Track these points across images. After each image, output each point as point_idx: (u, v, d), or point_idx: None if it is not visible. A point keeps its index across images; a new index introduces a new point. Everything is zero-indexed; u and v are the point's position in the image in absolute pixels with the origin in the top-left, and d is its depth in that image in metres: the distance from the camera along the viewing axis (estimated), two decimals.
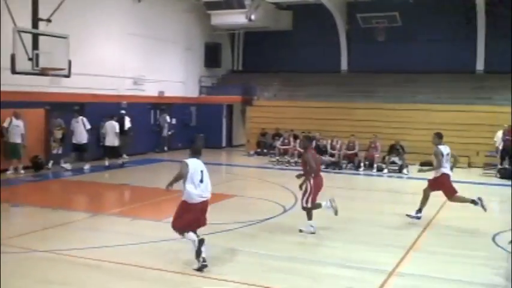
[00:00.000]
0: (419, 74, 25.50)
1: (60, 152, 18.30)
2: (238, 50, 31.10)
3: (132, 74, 22.91)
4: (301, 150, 20.67)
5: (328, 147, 20.66)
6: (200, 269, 7.68)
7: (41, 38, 13.90)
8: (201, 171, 8.21)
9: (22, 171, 16.94)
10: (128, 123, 21.24)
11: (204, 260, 7.72)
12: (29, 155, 17.28)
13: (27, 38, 13.61)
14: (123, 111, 21.47)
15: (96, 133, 20.50)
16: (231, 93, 27.43)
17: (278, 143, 22.16)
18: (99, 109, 20.36)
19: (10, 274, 7.51)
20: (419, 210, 11.22)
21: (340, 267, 8.16)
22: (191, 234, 7.98)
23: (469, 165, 20.73)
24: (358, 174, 19.48)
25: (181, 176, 8.14)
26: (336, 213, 10.58)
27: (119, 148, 19.46)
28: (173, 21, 25.62)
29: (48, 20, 14.26)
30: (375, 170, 19.54)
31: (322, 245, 9.54)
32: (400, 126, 22.45)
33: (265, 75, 29.03)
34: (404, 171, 19.16)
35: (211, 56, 28.76)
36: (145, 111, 24.17)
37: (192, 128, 26.77)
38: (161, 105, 25.18)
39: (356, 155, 20.53)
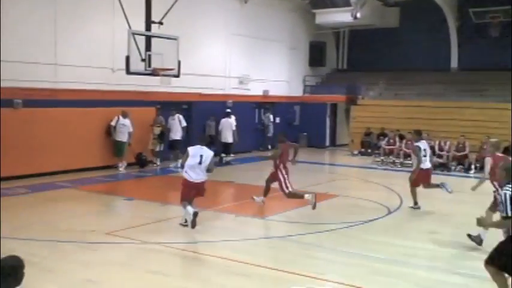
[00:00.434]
0: None
1: (161, 149, 18.83)
2: (343, 49, 30.77)
3: (238, 73, 23.39)
4: (407, 151, 20.33)
5: (436, 148, 19.93)
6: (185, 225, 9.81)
7: (153, 39, 14.51)
8: (201, 156, 10.08)
9: (121, 169, 17.33)
10: (233, 122, 21.75)
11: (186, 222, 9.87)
12: (134, 152, 17.75)
13: (141, 40, 14.26)
14: (228, 110, 21.96)
15: (202, 131, 21.19)
16: (335, 92, 27.22)
17: (383, 143, 21.70)
18: (206, 108, 21.01)
19: (122, 264, 7.95)
20: (416, 203, 12.45)
21: (447, 273, 7.85)
22: (189, 208, 9.88)
23: None
24: (469, 176, 18.58)
25: (183, 160, 10.31)
26: (313, 207, 11.30)
27: (231, 145, 20.06)
28: (278, 21, 25.83)
29: (160, 23, 14.85)
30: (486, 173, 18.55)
31: (428, 249, 9.21)
32: None
33: (370, 74, 28.51)
34: None
35: (316, 54, 28.69)
36: (250, 110, 24.56)
37: (296, 127, 26.86)
38: (265, 104, 25.49)
39: (466, 156, 19.64)
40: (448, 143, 19.98)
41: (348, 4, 25.31)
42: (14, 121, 14.90)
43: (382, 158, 21.16)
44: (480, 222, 6.59)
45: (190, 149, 10.20)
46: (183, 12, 17.81)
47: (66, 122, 16.05)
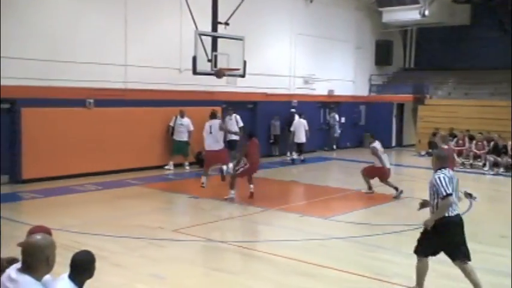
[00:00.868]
0: None
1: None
2: (410, 47, 30.12)
3: (303, 73, 23.34)
4: (477, 152, 19.70)
5: (509, 148, 19.19)
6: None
7: (219, 40, 14.68)
8: (210, 126, 13.33)
9: (187, 168, 17.38)
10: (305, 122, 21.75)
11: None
12: (194, 151, 17.58)
13: (207, 41, 14.46)
14: (293, 110, 21.97)
15: (267, 130, 21.34)
16: (402, 91, 26.68)
17: (452, 144, 21.07)
18: (271, 108, 21.08)
19: (188, 261, 8.10)
20: (370, 188, 13.85)
21: None
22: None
23: None
24: None
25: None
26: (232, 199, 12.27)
27: (303, 145, 20.15)
28: (344, 20, 25.59)
29: (226, 23, 15.00)
30: None
31: (496, 253, 8.90)
32: None
33: (438, 73, 27.78)
34: None
35: (382, 53, 28.20)
36: (315, 110, 24.45)
37: (361, 127, 26.52)
38: (330, 104, 25.31)
39: None
40: None
41: (416, 2, 24.77)
42: (86, 120, 15.48)
43: None
44: (425, 223, 6.78)
45: (206, 124, 13.68)
46: (249, 13, 17.93)
47: (135, 121, 16.50)
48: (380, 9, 26.43)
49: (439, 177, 6.55)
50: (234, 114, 18.66)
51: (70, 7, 15.32)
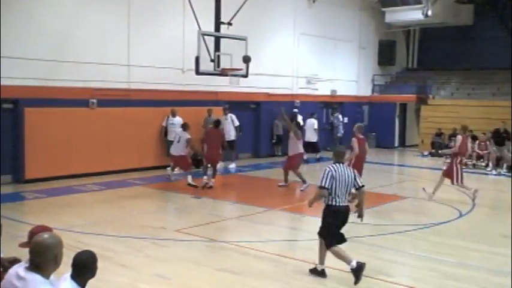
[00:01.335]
0: None
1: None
2: (413, 47, 30.09)
3: (306, 73, 23.33)
4: (480, 152, 19.66)
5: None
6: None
7: (222, 40, 14.69)
8: (180, 137, 14.50)
9: (176, 169, 16.06)
10: (300, 122, 21.71)
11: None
12: (190, 152, 16.39)
13: (210, 41, 14.47)
14: (295, 110, 21.97)
15: (270, 130, 21.37)
16: (404, 91, 26.68)
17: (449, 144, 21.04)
18: (273, 107, 21.06)
19: (191, 261, 8.10)
20: (304, 181, 14.20)
21: None
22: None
23: None
24: None
25: None
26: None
27: (316, 144, 20.21)
28: (347, 20, 25.58)
29: (229, 23, 15.01)
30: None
31: (498, 253, 8.89)
32: None
33: (441, 73, 27.77)
34: None
35: (385, 54, 28.19)
36: (318, 110, 24.40)
37: (364, 127, 26.41)
38: (333, 104, 25.29)
39: None
40: None
41: (419, 2, 24.76)
42: (88, 120, 15.51)
43: None
44: (309, 203, 7.71)
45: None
46: (252, 13, 17.94)
47: (138, 122, 16.52)
48: (383, 9, 26.42)
49: (324, 170, 7.35)
50: (230, 114, 18.31)
51: (73, 7, 15.35)
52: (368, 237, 9.63)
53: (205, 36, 14.24)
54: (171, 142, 16.48)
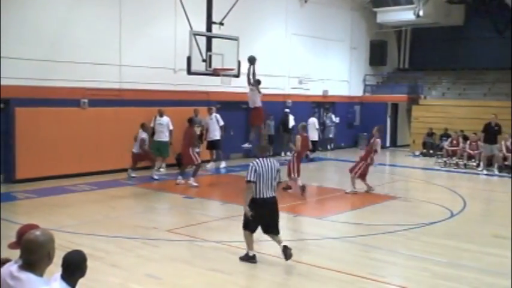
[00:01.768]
0: None
1: (199, 149, 17.43)
2: (404, 47, 30.17)
3: (297, 73, 23.34)
4: (471, 152, 19.76)
5: (504, 149, 19.23)
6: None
7: (213, 40, 14.66)
8: (136, 137, 15.35)
9: (162, 169, 16.66)
10: (291, 122, 21.77)
11: None
12: (175, 152, 16.95)
13: (202, 41, 14.43)
14: (287, 110, 21.99)
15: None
16: (396, 91, 26.75)
17: (446, 144, 21.14)
18: (265, 108, 20.98)
19: (183, 261, 8.09)
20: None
21: (508, 277, 7.56)
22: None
23: None
24: None
25: None
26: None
27: (316, 143, 20.50)
28: (338, 20, 25.62)
29: (221, 23, 14.99)
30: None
31: (489, 253, 8.93)
32: None
33: (433, 73, 27.89)
34: None
35: (377, 54, 28.25)
36: (309, 110, 24.46)
37: (356, 128, 26.56)
38: (325, 104, 25.33)
39: None
40: None
41: (410, 2, 24.85)
42: (80, 120, 15.46)
43: (444, 159, 20.59)
44: (244, 207, 7.87)
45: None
46: (243, 13, 17.92)
47: (130, 121, 16.43)
48: (374, 9, 26.49)
49: (250, 165, 7.81)
50: (214, 114, 17.83)
51: (65, 8, 15.28)
52: (360, 237, 9.66)
53: (197, 36, 14.20)
54: (158, 142, 16.54)
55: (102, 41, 16.05)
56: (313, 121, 21.11)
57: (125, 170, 15.92)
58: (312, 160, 20.47)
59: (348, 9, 26.18)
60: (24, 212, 11.26)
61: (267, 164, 7.82)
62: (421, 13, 24.74)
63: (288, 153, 21.42)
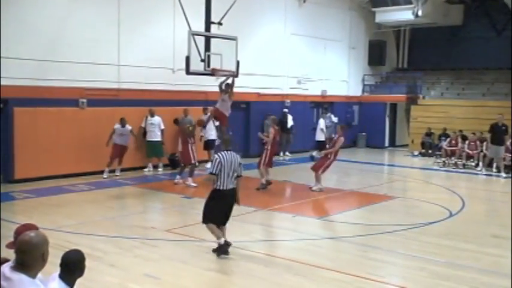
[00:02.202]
0: None
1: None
2: (403, 47, 30.18)
3: (296, 73, 23.34)
4: (470, 152, 19.76)
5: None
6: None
7: (212, 40, 14.66)
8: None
9: (160, 170, 16.84)
10: (290, 122, 21.78)
11: None
12: (167, 152, 17.16)
13: (200, 41, 14.43)
14: (285, 110, 21.99)
15: (260, 130, 21.31)
16: (395, 91, 26.75)
17: (444, 144, 21.14)
18: (264, 108, 21.07)
19: (181, 261, 8.09)
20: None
21: (506, 277, 7.57)
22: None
23: None
24: None
25: None
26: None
27: (322, 142, 20.45)
28: (337, 20, 25.61)
29: (220, 23, 14.99)
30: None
31: (488, 253, 8.95)
32: None
33: (432, 73, 27.89)
34: None
35: (376, 54, 28.25)
36: (308, 110, 24.47)
37: (354, 127, 26.56)
38: (323, 104, 25.32)
39: None
40: None
41: (409, 2, 24.84)
42: (78, 120, 15.43)
43: (443, 159, 20.59)
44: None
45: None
46: (242, 13, 17.94)
47: (128, 121, 16.39)
48: (373, 9, 26.47)
49: (214, 158, 8.34)
50: (209, 114, 17.51)
51: (63, 7, 15.25)
52: (358, 237, 9.66)
53: (196, 36, 14.20)
54: (151, 143, 16.56)
55: (101, 41, 16.03)
56: (321, 122, 20.98)
57: (125, 170, 15.93)
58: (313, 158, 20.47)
59: (347, 9, 26.17)
60: (23, 212, 11.25)
61: (229, 157, 8.24)
62: (419, 13, 24.74)
63: (287, 153, 21.64)
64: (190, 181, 14.54)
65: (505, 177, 17.36)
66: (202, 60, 14.30)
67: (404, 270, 8.05)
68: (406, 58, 30.07)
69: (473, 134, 20.32)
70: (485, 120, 21.76)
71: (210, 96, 18.74)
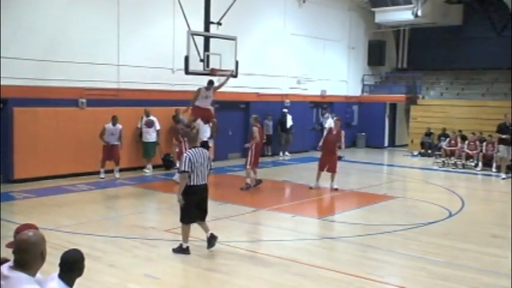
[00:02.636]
0: None
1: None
2: (403, 47, 30.17)
3: (295, 73, 23.34)
4: (470, 152, 19.76)
5: None
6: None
7: (211, 40, 14.65)
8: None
9: (147, 170, 16.59)
10: (289, 122, 21.79)
11: None
12: (162, 153, 17.19)
13: (200, 41, 14.43)
14: (285, 110, 21.99)
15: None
16: (394, 91, 26.77)
17: (444, 144, 21.14)
18: (263, 108, 21.07)
19: (181, 261, 8.08)
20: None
21: (506, 277, 7.58)
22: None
23: None
24: None
25: None
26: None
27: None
28: (337, 20, 25.61)
29: (219, 23, 14.99)
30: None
31: (489, 253, 8.94)
32: None
33: (431, 73, 27.90)
34: None
35: (375, 54, 28.26)
36: (307, 110, 24.47)
37: (354, 127, 26.57)
38: (323, 104, 25.33)
39: None
40: None
41: (409, 2, 24.86)
42: (78, 120, 15.43)
43: (443, 159, 20.58)
44: (178, 197, 8.32)
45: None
46: (241, 13, 17.93)
47: (128, 121, 16.42)
48: (373, 9, 26.47)
49: (184, 156, 8.31)
50: None
51: (63, 7, 15.25)
52: (358, 237, 9.66)
53: (195, 36, 14.20)
54: (146, 143, 16.56)
55: (100, 40, 16.03)
56: (329, 122, 20.93)
57: (124, 170, 15.93)
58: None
59: (346, 9, 26.18)
60: (22, 212, 11.25)
61: (199, 153, 8.30)
62: (419, 13, 24.76)
63: (287, 153, 21.64)
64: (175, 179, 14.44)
65: (504, 178, 17.34)
66: (202, 60, 14.30)
67: (404, 270, 8.05)
68: (405, 58, 30.07)
69: (473, 134, 20.32)
70: (485, 120, 21.82)
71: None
